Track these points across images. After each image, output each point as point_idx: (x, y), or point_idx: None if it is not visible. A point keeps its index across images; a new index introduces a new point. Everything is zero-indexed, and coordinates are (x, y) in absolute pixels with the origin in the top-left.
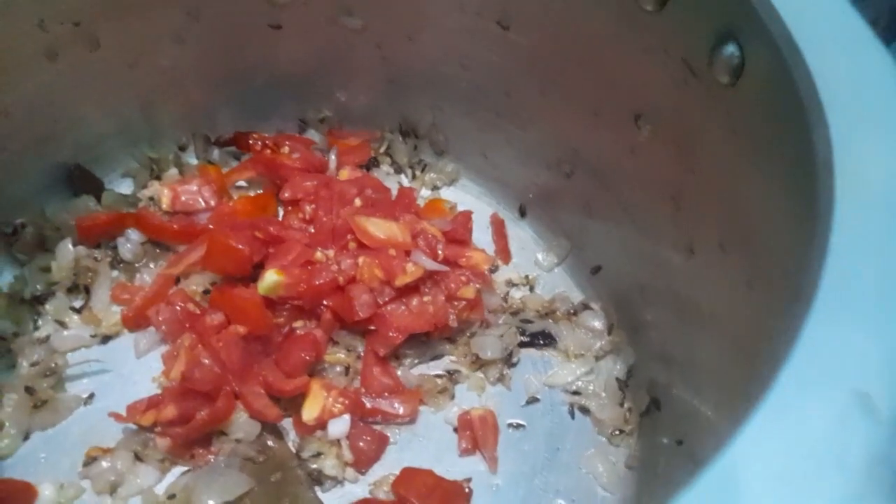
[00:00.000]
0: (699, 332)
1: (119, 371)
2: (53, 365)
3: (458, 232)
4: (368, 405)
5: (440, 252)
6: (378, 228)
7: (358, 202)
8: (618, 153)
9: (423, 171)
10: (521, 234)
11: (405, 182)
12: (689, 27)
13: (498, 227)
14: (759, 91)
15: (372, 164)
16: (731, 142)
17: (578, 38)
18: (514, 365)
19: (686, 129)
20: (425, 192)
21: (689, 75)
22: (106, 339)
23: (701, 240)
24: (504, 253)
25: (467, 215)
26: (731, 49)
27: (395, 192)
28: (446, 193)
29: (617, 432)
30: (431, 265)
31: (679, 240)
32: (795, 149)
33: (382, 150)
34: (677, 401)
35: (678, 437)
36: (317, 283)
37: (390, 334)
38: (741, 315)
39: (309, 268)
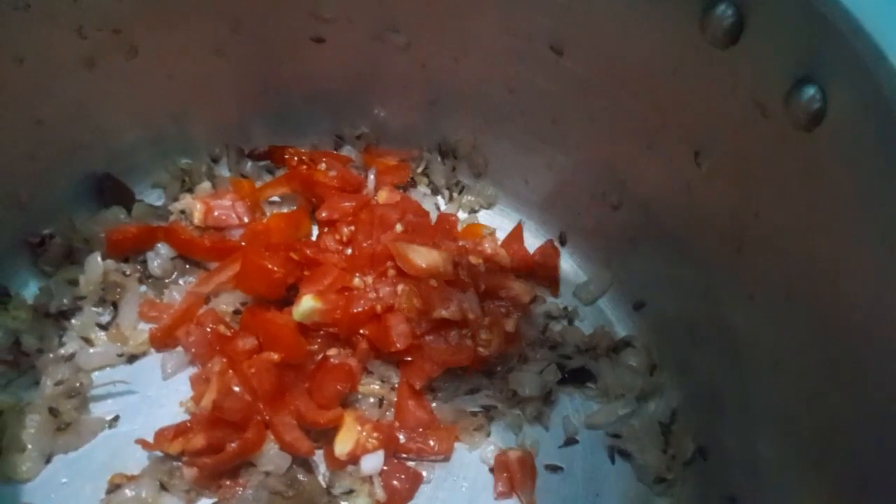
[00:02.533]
0: (758, 382)
1: (145, 393)
2: (78, 384)
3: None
4: (403, 440)
5: (482, 285)
6: (420, 256)
7: (399, 227)
8: (672, 189)
9: (460, 192)
10: (560, 264)
11: (442, 203)
12: (762, 66)
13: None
14: (844, 138)
15: (409, 184)
16: (806, 188)
17: (637, 67)
18: (552, 403)
19: (752, 170)
20: (462, 215)
21: (759, 116)
22: (132, 358)
23: (764, 285)
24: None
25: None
26: (810, 92)
27: (432, 213)
28: (484, 217)
29: (659, 480)
30: (476, 311)
31: (738, 282)
32: None
33: (420, 170)
34: (728, 452)
35: (729, 493)
36: (354, 310)
37: (427, 367)
38: (814, 369)
39: (346, 294)
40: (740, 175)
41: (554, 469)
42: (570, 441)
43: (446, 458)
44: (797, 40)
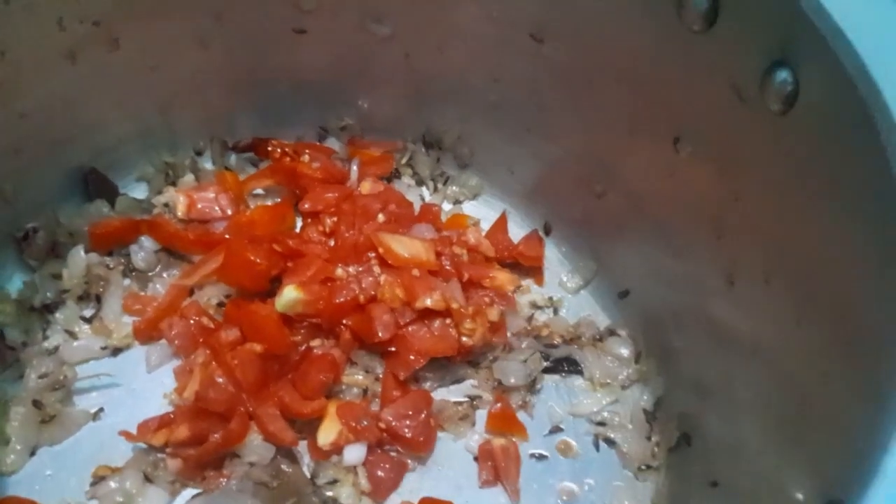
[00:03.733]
0: (739, 366)
1: (129, 385)
2: (62, 377)
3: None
4: (387, 431)
5: (465, 274)
6: (402, 246)
7: (381, 218)
8: (655, 175)
9: (445, 183)
10: (546, 254)
11: (426, 195)
12: (737, 50)
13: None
14: (816, 120)
15: (393, 175)
16: (782, 170)
17: (617, 54)
18: (537, 392)
19: (731, 154)
20: (446, 206)
21: (736, 100)
22: (116, 351)
23: (743, 270)
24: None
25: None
26: (783, 75)
27: (416, 205)
28: (468, 208)
29: (644, 467)
30: (460, 300)
31: (719, 268)
32: (867, 186)
33: (404, 161)
34: (711, 438)
35: (712, 478)
36: (337, 301)
37: (411, 357)
38: (791, 352)
39: (329, 285)
40: (720, 160)
41: (539, 457)
42: (555, 429)
43: (431, 448)
44: (769, 23)
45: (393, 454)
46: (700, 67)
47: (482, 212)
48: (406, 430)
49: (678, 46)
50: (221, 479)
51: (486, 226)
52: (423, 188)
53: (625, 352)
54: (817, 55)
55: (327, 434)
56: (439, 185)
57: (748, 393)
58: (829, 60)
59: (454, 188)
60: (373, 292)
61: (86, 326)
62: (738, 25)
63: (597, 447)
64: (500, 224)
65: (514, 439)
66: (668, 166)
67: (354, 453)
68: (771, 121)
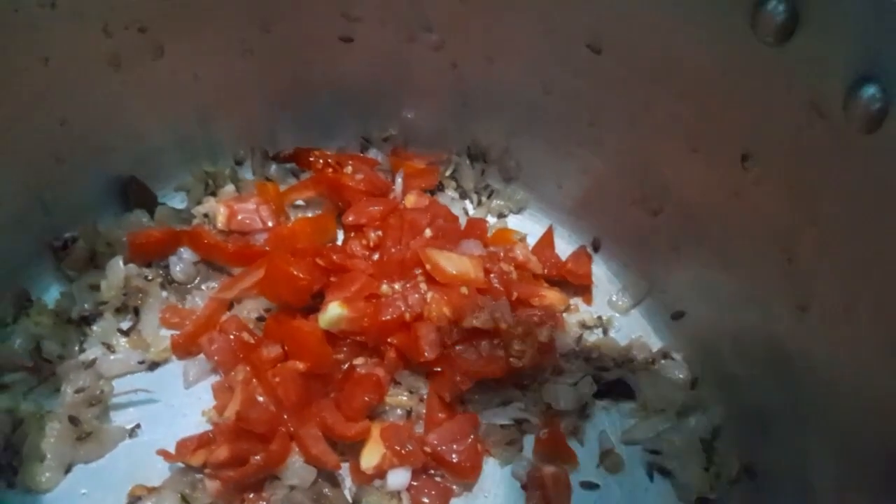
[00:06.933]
0: (813, 399)
1: (167, 401)
2: (99, 392)
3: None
4: (432, 455)
5: (514, 293)
6: (450, 263)
7: (428, 233)
8: (719, 195)
9: (489, 197)
10: (594, 271)
11: (470, 208)
12: (818, 64)
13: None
14: None
15: (437, 188)
16: (868, 194)
17: (681, 68)
18: (587, 417)
19: (807, 175)
20: (490, 220)
21: (815, 117)
22: (154, 365)
23: (818, 297)
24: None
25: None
26: (871, 91)
27: (460, 218)
28: (512, 222)
29: (702, 500)
30: (509, 320)
31: (788, 294)
32: None
33: (448, 173)
34: (779, 473)
35: None
36: (382, 318)
37: (457, 379)
38: (885, 388)
39: (374, 301)
40: (793, 180)
41: (590, 487)
42: (607, 456)
43: (478, 474)
44: (857, 35)
45: (438, 479)
46: (774, 83)
47: (527, 226)
48: (453, 455)
49: (750, 60)
50: (261, 502)
51: (531, 241)
52: (467, 201)
53: (680, 376)
54: None
55: (371, 457)
56: (483, 199)
57: (822, 430)
58: None
59: (499, 202)
60: (419, 310)
61: (123, 340)
62: (819, 37)
63: (651, 477)
64: (547, 239)
65: (564, 466)
66: (733, 186)
67: (398, 478)
68: (855, 140)
